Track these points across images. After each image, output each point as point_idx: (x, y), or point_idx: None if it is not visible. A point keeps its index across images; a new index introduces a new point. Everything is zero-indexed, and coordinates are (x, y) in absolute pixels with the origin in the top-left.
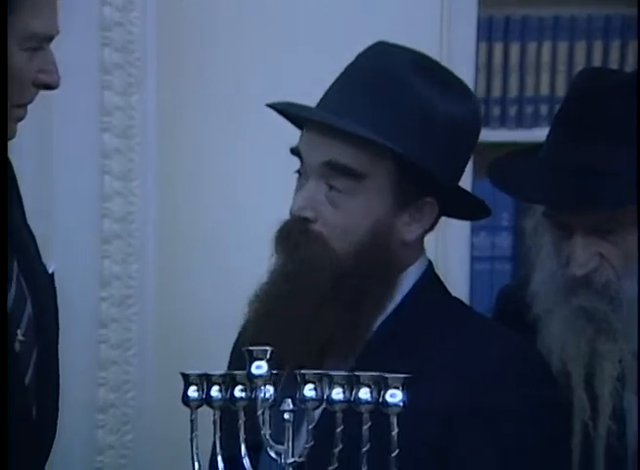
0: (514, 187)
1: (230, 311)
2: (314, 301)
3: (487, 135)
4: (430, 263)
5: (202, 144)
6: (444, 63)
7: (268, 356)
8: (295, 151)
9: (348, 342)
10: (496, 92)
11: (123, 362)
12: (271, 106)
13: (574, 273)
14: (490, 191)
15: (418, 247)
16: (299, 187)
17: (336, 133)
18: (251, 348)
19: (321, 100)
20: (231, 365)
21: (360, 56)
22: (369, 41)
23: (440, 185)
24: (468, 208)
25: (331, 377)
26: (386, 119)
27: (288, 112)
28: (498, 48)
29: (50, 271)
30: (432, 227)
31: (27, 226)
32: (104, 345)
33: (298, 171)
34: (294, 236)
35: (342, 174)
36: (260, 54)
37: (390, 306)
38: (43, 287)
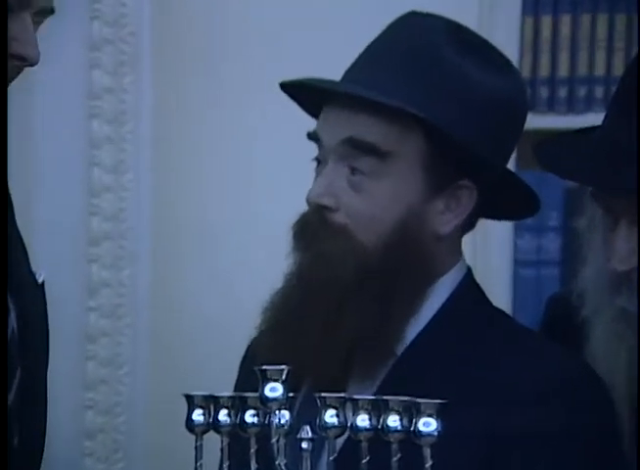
0: (564, 167)
1: (235, 322)
2: (336, 304)
3: (533, 121)
4: (469, 270)
5: (203, 132)
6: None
7: (284, 377)
8: (312, 135)
9: (376, 353)
10: (544, 72)
11: (114, 382)
12: (285, 85)
13: (615, 268)
14: (535, 185)
15: (455, 249)
16: (316, 176)
17: (359, 107)
18: (264, 367)
19: (345, 74)
20: (239, 384)
21: (390, 26)
22: (398, 13)
23: (479, 166)
24: (512, 198)
25: (355, 401)
26: (417, 91)
27: (304, 88)
28: (546, 22)
29: (39, 281)
30: (471, 224)
31: (16, 229)
32: (92, 362)
33: (317, 159)
34: (312, 228)
35: (366, 153)
36: (272, 31)
37: (425, 318)
38: (31, 299)
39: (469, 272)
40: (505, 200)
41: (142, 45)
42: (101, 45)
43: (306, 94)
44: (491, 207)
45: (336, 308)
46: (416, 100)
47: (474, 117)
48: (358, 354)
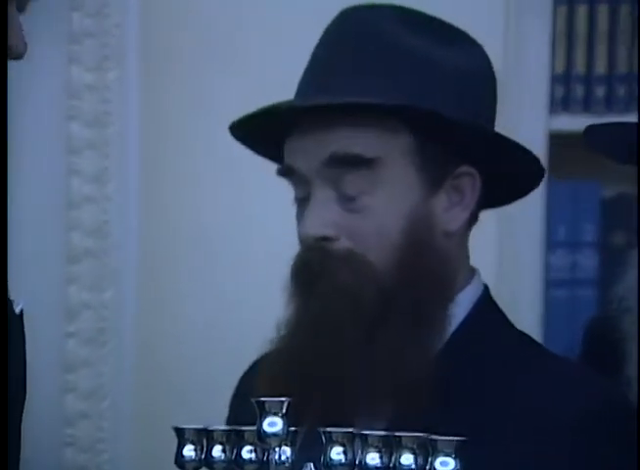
0: (613, 148)
1: (230, 351)
2: (360, 335)
3: (567, 123)
4: (486, 288)
5: (195, 134)
6: (512, 31)
7: (284, 410)
8: (285, 170)
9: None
10: (579, 68)
11: (96, 416)
12: (238, 125)
13: None
14: (571, 196)
15: (464, 252)
16: (301, 213)
17: (333, 118)
18: (262, 399)
19: (300, 88)
20: (232, 415)
21: (332, 26)
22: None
23: (471, 141)
24: (515, 171)
25: (364, 437)
26: (385, 84)
27: (262, 120)
28: (582, 11)
29: (17, 311)
30: (475, 217)
31: None
32: (71, 394)
33: (296, 200)
34: (315, 262)
35: (353, 166)
36: (269, 24)
37: (440, 343)
38: (6, 330)
39: (486, 291)
40: (507, 175)
41: (127, 38)
42: (81, 38)
43: (263, 129)
44: (494, 189)
45: (361, 341)
46: (388, 93)
47: (449, 95)
48: (376, 387)
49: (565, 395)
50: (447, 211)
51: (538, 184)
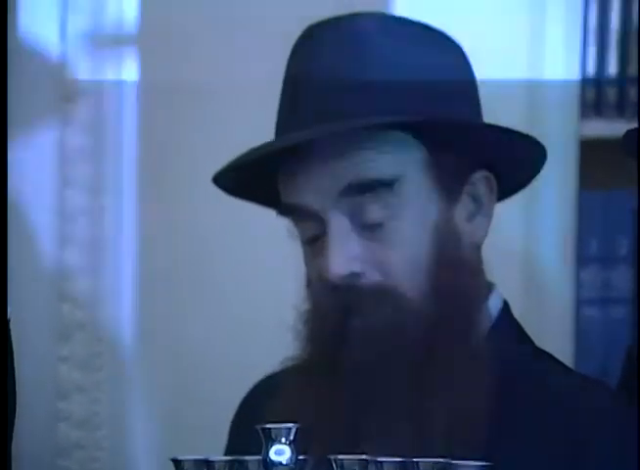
0: None
1: (233, 374)
2: (407, 370)
3: (600, 127)
4: (505, 305)
5: (198, 143)
6: (536, 28)
7: (292, 437)
8: (290, 208)
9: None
10: (612, 69)
11: (91, 446)
12: (218, 179)
13: None
14: (601, 208)
15: (479, 258)
16: (313, 254)
17: (339, 147)
18: (268, 426)
19: (283, 123)
20: (232, 443)
21: (297, 48)
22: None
23: (480, 139)
24: (523, 163)
25: (380, 464)
26: (385, 100)
27: (255, 163)
28: (616, 7)
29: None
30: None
31: None
32: (64, 423)
33: (303, 240)
34: (346, 301)
35: (372, 192)
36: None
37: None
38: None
39: (505, 307)
40: (518, 165)
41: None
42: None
43: (253, 174)
44: (505, 185)
45: (408, 377)
46: (393, 109)
47: (449, 99)
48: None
49: (598, 422)
50: (470, 222)
51: (539, 171)
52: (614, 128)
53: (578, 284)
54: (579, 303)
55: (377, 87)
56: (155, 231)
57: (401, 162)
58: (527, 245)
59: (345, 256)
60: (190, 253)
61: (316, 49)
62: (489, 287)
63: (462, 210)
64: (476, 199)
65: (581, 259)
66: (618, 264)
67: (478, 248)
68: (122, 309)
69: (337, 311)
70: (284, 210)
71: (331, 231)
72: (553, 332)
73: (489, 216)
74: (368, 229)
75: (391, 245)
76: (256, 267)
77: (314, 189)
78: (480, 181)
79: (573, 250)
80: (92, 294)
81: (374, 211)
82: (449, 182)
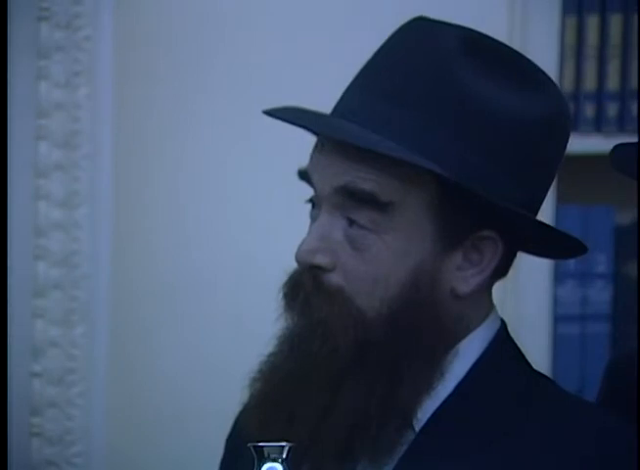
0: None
1: (213, 392)
2: (331, 381)
3: (576, 143)
4: (502, 324)
5: (174, 158)
6: (515, 44)
7: (285, 455)
8: (303, 175)
9: (380, 438)
10: (589, 84)
11: (64, 464)
12: (269, 113)
13: None
14: (581, 221)
15: (483, 301)
16: (313, 221)
17: (352, 149)
18: (261, 444)
19: (340, 100)
20: (225, 463)
21: (392, 38)
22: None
23: (504, 217)
24: (549, 245)
25: None
26: (424, 127)
27: (290, 121)
28: (592, 23)
29: None
30: (503, 271)
31: None
32: (36, 439)
33: (311, 201)
34: (304, 291)
35: (364, 204)
36: (262, 41)
37: (447, 387)
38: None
39: (503, 327)
40: (538, 246)
41: (100, 52)
42: (50, 52)
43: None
44: (525, 249)
45: (332, 387)
46: (423, 139)
47: (497, 156)
48: (360, 440)
49: (592, 444)
50: (460, 271)
51: (577, 256)
52: (614, 144)
53: (555, 301)
54: (557, 319)
55: (432, 118)
56: (130, 246)
57: (406, 191)
58: None
59: (319, 243)
60: (167, 270)
61: (394, 47)
62: (488, 310)
63: (457, 257)
64: (477, 252)
65: (559, 276)
66: (596, 281)
67: (457, 297)
68: (97, 327)
69: (296, 301)
70: (301, 172)
71: (320, 217)
72: (530, 349)
73: (483, 274)
74: (352, 234)
75: (365, 259)
76: (238, 280)
77: (321, 172)
78: (487, 240)
79: (551, 266)
80: (66, 310)
81: (360, 220)
82: (451, 228)
